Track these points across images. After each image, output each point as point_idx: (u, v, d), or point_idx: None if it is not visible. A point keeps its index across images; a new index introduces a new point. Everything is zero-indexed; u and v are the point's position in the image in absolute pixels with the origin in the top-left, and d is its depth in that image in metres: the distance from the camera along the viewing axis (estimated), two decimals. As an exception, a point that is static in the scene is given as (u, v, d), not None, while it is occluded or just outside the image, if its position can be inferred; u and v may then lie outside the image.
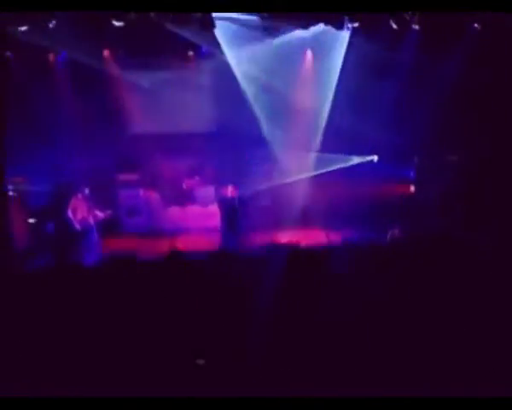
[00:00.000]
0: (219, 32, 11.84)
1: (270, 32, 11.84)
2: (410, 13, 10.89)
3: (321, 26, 11.52)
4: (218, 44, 12.53)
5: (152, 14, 10.68)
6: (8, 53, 12.06)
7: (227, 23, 11.47)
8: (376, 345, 5.24)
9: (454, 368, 4.94)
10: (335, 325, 5.51)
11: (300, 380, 4.93)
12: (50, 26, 10.66)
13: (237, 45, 12.62)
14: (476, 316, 5.46)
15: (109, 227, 12.28)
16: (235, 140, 13.47)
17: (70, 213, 10.97)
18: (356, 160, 13.48)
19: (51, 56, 13.32)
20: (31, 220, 12.67)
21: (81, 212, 11.03)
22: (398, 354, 5.14)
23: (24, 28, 10.63)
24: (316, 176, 13.58)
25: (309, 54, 13.85)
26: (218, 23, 11.21)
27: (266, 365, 5.12)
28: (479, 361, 4.98)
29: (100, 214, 11.31)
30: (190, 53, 13.78)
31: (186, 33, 11.73)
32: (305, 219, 12.84)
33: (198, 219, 13.70)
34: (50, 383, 4.90)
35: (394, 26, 11.09)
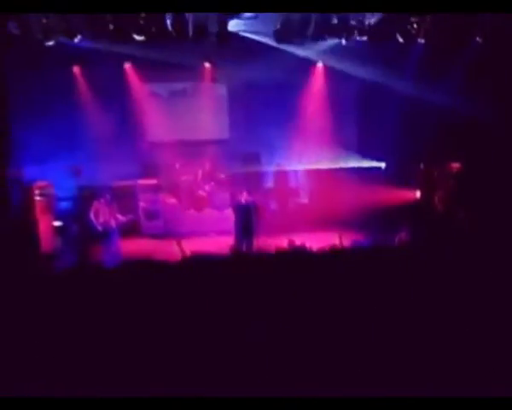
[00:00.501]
0: (234, 46, 12.13)
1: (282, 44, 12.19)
2: (415, 27, 11.20)
3: (331, 39, 11.91)
4: (232, 57, 12.98)
5: (171, 29, 11.06)
6: (36, 65, 12.64)
7: (241, 37, 11.89)
8: (381, 346, 5.29)
9: (455, 369, 5.00)
10: (342, 325, 5.53)
11: (304, 380, 4.98)
12: (76, 40, 11.05)
13: (251, 57, 13.01)
14: (478, 318, 5.49)
15: (129, 230, 12.58)
16: (249, 147, 13.91)
17: (92, 217, 11.25)
18: (364, 163, 13.81)
19: (76, 68, 13.89)
20: (55, 223, 12.94)
21: (103, 215, 11.28)
22: (401, 355, 5.19)
23: (51, 43, 11.01)
24: (328, 182, 13.82)
25: (320, 65, 14.26)
26: (233, 37, 11.56)
27: (270, 365, 5.15)
28: (479, 362, 5.03)
29: (121, 218, 11.56)
30: (207, 65, 14.27)
31: (202, 47, 12.14)
32: (317, 223, 12.98)
33: (213, 223, 13.98)
34: (69, 384, 4.94)
35: (400, 40, 11.39)
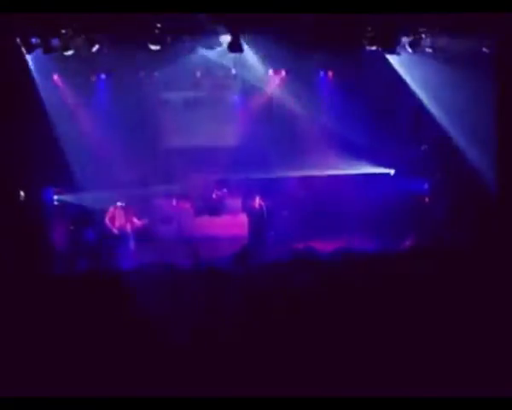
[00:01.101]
0: (246, 56, 12.46)
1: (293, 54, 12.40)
2: (423, 37, 11.34)
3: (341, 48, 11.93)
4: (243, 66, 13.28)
5: (185, 39, 11.31)
6: (55, 74, 13.03)
7: (253, 47, 12.14)
8: (386, 348, 5.47)
9: (456, 369, 5.15)
10: (347, 327, 5.75)
11: (310, 380, 5.13)
12: (93, 50, 11.22)
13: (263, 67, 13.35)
14: (481, 322, 5.70)
15: (144, 234, 12.76)
16: (261, 153, 14.15)
17: (108, 221, 11.59)
18: (374, 170, 13.92)
19: (93, 77, 14.08)
20: (72, 227, 13.23)
21: (119, 220, 11.61)
22: (405, 357, 5.35)
23: (70, 52, 11.15)
24: (337, 188, 14.06)
25: (329, 74, 14.45)
26: (244, 47, 11.83)
27: (275, 366, 5.32)
28: (480, 363, 5.18)
29: (137, 222, 11.85)
30: (220, 73, 14.49)
31: (215, 56, 12.40)
32: (327, 228, 13.07)
33: (226, 228, 13.96)
34: (85, 383, 5.09)
35: (409, 50, 11.55)
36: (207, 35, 11.21)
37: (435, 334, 5.62)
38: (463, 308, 5.99)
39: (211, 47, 11.73)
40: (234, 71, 14.12)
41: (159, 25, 10.86)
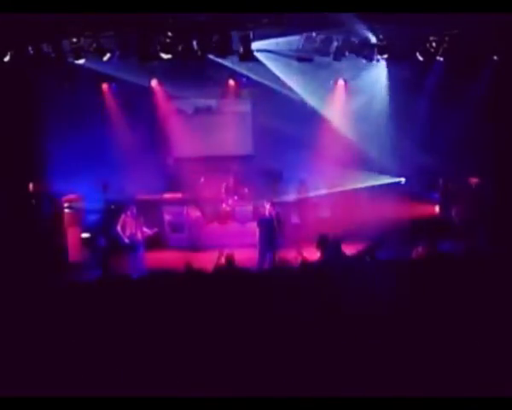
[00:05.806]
0: (257, 64, 12.54)
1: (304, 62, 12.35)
2: (434, 45, 11.31)
3: (352, 57, 11.98)
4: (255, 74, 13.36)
5: (196, 47, 11.34)
6: (67, 83, 13.11)
7: (265, 55, 12.14)
8: (392, 353, 5.42)
9: (457, 370, 5.15)
10: (356, 332, 5.67)
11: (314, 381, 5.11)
12: (104, 58, 11.33)
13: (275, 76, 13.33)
14: (489, 328, 5.62)
15: (155, 242, 12.82)
16: (272, 162, 14.16)
17: (119, 229, 11.48)
18: (384, 179, 13.86)
19: (105, 85, 14.27)
20: (83, 235, 13.27)
21: (130, 228, 11.48)
22: (409, 359, 5.33)
23: (81, 61, 11.34)
24: (346, 195, 14.04)
25: (341, 82, 14.50)
26: (256, 55, 11.84)
27: (278, 368, 5.30)
28: (482, 363, 5.18)
29: (147, 231, 11.78)
30: (231, 82, 14.63)
31: (227, 64, 12.44)
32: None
33: (237, 236, 13.98)
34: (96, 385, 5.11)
35: (420, 58, 11.53)
36: (218, 43, 11.22)
37: (452, 339, 5.57)
38: (470, 312, 5.93)
39: (222, 55, 11.74)
40: (245, 79, 14.20)
41: (170, 33, 10.93)
